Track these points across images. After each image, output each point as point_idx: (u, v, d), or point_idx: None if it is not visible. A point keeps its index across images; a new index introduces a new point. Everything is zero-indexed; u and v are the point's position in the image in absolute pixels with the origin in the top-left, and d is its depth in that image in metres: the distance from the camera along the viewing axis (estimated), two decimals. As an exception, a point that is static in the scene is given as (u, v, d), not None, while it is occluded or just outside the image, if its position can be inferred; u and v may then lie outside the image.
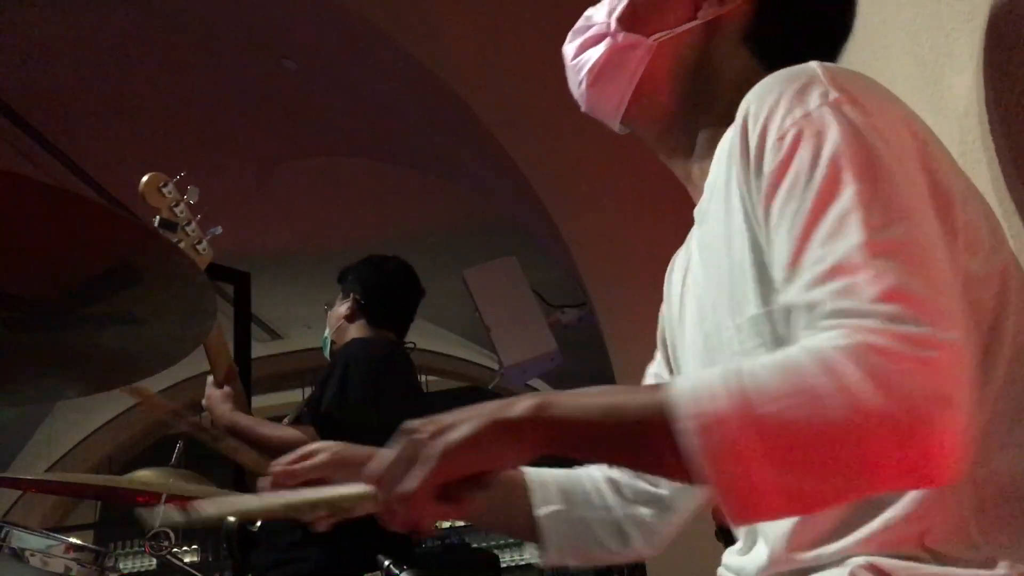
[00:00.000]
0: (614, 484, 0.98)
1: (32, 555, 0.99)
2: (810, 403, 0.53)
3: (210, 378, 1.81)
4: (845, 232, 0.59)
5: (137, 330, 1.07)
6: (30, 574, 0.99)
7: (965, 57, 0.95)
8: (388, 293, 2.25)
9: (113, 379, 1.23)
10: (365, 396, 1.93)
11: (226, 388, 1.79)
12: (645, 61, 0.85)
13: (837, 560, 0.66)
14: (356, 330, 2.18)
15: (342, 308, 2.21)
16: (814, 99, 0.66)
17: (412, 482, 0.61)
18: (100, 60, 3.63)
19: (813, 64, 0.70)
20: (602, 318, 2.95)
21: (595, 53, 0.87)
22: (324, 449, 0.91)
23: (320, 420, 1.89)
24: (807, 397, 0.53)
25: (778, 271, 0.64)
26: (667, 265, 1.00)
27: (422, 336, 6.24)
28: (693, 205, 0.88)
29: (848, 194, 0.61)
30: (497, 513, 0.98)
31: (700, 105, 0.85)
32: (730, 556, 0.82)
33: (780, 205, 0.64)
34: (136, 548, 7.24)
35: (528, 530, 0.97)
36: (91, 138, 4.06)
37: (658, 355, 1.06)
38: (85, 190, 4.14)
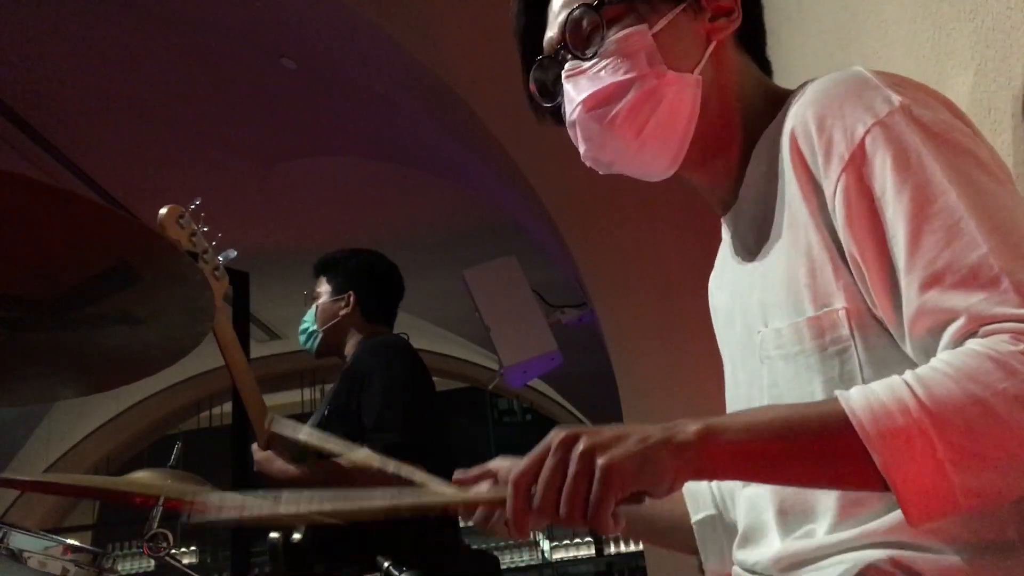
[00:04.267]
0: None
1: (30, 556, 0.99)
2: (994, 407, 0.55)
3: (255, 444, 1.88)
4: (965, 237, 0.61)
5: (136, 330, 1.07)
6: (28, 575, 0.99)
7: (966, 56, 0.94)
8: (385, 292, 2.26)
9: (112, 379, 1.23)
10: (411, 401, 1.96)
11: (269, 452, 1.85)
12: (698, 97, 0.81)
13: (853, 548, 0.67)
14: (354, 327, 2.18)
15: (338, 305, 2.19)
16: (880, 105, 0.67)
17: (595, 506, 0.60)
18: (100, 60, 3.63)
19: (860, 69, 0.71)
20: (602, 318, 2.95)
21: (654, 106, 0.80)
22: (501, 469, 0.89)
23: (362, 428, 1.91)
24: (991, 402, 0.55)
25: (876, 275, 0.66)
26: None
27: (422, 336, 6.24)
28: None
29: (950, 198, 0.62)
30: (664, 529, 0.96)
31: (725, 118, 0.84)
32: (738, 552, 0.82)
33: (870, 213, 0.65)
34: (134, 549, 7.24)
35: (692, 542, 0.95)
36: (91, 138, 4.06)
37: None
38: (85, 190, 4.14)
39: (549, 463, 0.62)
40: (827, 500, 0.70)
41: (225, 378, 3.32)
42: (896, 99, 0.67)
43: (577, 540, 7.67)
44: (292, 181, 4.55)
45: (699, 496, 0.95)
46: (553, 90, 0.87)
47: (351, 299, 2.18)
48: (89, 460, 7.42)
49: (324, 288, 2.23)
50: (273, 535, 1.86)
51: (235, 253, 1.64)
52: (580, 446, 0.62)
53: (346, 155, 4.36)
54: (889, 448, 0.56)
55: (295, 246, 5.20)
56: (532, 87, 0.89)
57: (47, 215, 0.89)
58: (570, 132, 0.86)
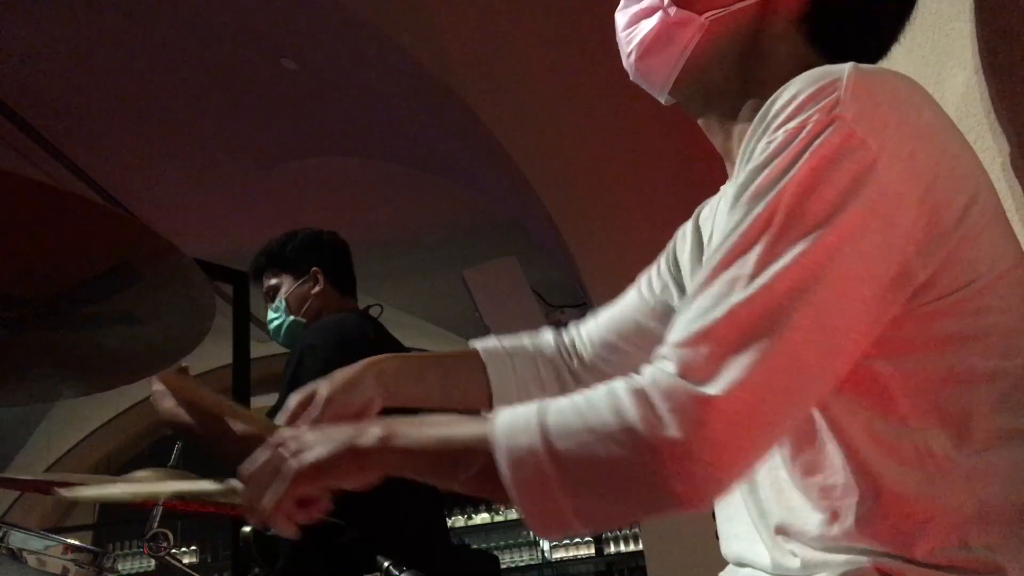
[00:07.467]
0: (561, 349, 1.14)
1: (30, 555, 0.99)
2: (598, 439, 0.59)
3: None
4: (745, 288, 0.59)
5: (136, 330, 1.07)
6: (28, 574, 0.99)
7: (966, 55, 0.95)
8: (343, 258, 2.14)
9: (112, 379, 1.23)
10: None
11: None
12: (696, 39, 0.82)
13: (832, 550, 0.67)
14: (328, 306, 2.05)
15: (306, 287, 2.05)
16: (822, 108, 0.62)
17: (270, 498, 0.70)
18: (100, 60, 3.63)
19: (847, 66, 0.65)
20: (602, 318, 2.95)
21: (646, 26, 0.85)
22: (320, 391, 0.92)
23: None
24: (597, 434, 0.59)
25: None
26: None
27: (422, 336, 6.24)
28: (695, 203, 0.89)
29: (778, 241, 0.60)
30: (452, 392, 1.03)
31: (748, 84, 0.83)
32: (728, 547, 0.82)
33: (731, 205, 0.64)
34: (135, 549, 7.24)
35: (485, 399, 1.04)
36: (91, 138, 4.06)
37: (659, 265, 1.13)
38: (85, 190, 4.14)
39: (263, 461, 0.71)
40: (809, 507, 0.70)
41: (225, 378, 3.33)
42: (840, 108, 0.62)
43: (577, 540, 7.66)
44: (292, 181, 4.55)
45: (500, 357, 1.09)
46: None
47: (319, 276, 2.06)
48: (89, 460, 7.42)
49: (280, 279, 2.10)
50: (245, 529, 1.79)
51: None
52: (283, 447, 0.70)
53: (346, 155, 4.36)
54: (512, 471, 0.60)
55: (295, 246, 5.21)
56: None
57: (47, 215, 0.89)
58: None
